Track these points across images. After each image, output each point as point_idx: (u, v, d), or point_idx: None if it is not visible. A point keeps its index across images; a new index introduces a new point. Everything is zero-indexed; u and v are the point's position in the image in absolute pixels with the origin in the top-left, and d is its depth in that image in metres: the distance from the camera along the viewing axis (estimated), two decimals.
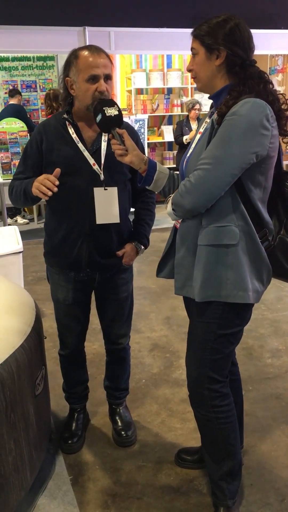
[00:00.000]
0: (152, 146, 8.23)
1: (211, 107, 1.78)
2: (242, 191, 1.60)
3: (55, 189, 1.86)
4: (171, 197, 1.70)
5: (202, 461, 2.13)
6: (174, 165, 7.63)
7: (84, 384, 2.46)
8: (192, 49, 1.68)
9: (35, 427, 1.96)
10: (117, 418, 2.44)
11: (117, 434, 2.39)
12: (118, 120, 1.76)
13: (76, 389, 2.43)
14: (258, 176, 1.61)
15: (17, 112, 6.85)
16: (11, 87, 8.06)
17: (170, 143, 8.31)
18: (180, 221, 1.75)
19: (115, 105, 1.78)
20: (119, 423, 2.42)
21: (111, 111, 1.75)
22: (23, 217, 7.18)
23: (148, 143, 7.54)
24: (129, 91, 8.08)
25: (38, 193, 1.89)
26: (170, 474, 2.18)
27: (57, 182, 1.86)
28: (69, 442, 2.34)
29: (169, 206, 1.71)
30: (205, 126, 1.72)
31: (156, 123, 8.39)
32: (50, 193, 1.86)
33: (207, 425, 1.83)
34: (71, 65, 1.96)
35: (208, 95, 1.74)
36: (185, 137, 6.76)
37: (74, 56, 1.96)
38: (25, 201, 2.08)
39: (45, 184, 1.86)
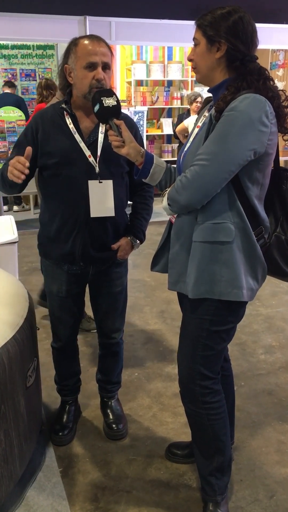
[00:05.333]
0: (151, 139, 8.19)
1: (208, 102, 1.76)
2: (239, 188, 1.59)
3: (26, 172, 1.77)
4: (167, 192, 1.68)
5: (192, 455, 2.13)
6: (173, 158, 7.60)
7: (76, 377, 2.45)
8: (194, 38, 1.65)
9: (26, 418, 1.95)
10: (108, 411, 2.44)
11: (108, 427, 2.39)
12: (116, 111, 1.74)
13: (68, 382, 2.42)
14: (255, 173, 1.59)
15: (17, 102, 6.80)
16: (10, 75, 8.00)
17: (169, 135, 8.27)
18: (175, 216, 1.74)
19: (114, 95, 1.75)
20: (111, 416, 2.42)
21: (109, 101, 1.73)
22: (23, 207, 7.18)
23: (147, 135, 7.50)
24: (129, 83, 8.03)
25: (13, 177, 1.80)
26: (160, 468, 2.18)
27: (27, 164, 1.77)
28: (60, 434, 2.33)
29: (164, 201, 1.69)
30: (203, 120, 1.70)
31: (155, 115, 8.34)
32: (23, 177, 1.77)
33: (197, 421, 1.83)
34: (70, 52, 1.95)
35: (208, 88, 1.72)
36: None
37: (74, 43, 1.95)
38: (4, 187, 2.00)
39: (16, 167, 1.77)
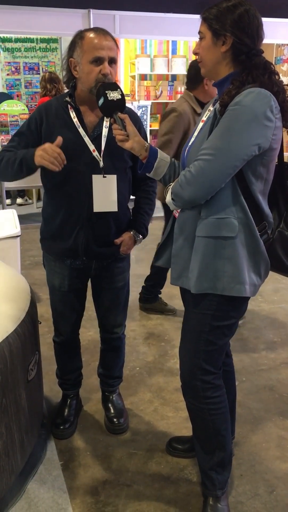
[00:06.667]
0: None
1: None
2: (243, 183, 1.58)
3: (62, 166, 1.82)
4: (171, 187, 1.67)
5: (193, 450, 2.14)
6: None
7: (77, 371, 2.46)
8: (199, 32, 1.63)
9: (27, 412, 1.96)
10: (109, 405, 2.44)
11: (109, 421, 2.40)
12: (120, 104, 1.73)
13: (69, 376, 2.43)
14: (259, 168, 1.58)
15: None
16: (13, 68, 7.99)
17: None
18: (179, 210, 1.73)
19: (118, 89, 1.74)
20: (112, 410, 2.42)
21: (113, 95, 1.71)
22: (26, 200, 7.17)
23: (150, 130, 7.47)
24: (133, 77, 7.99)
25: (46, 163, 1.81)
26: (160, 462, 2.19)
27: (65, 162, 1.82)
28: (61, 427, 2.34)
29: (168, 196, 1.68)
30: (208, 115, 1.69)
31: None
32: (60, 168, 1.81)
33: (199, 416, 1.83)
34: (75, 45, 1.92)
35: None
36: None
37: (79, 37, 1.92)
38: (18, 171, 1.96)
39: (57, 159, 1.80)
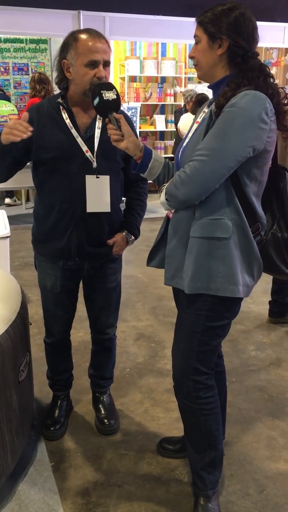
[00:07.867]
0: (144, 135, 8.19)
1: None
2: (237, 185, 1.59)
3: (29, 134, 1.72)
4: (165, 187, 1.68)
5: (183, 450, 2.14)
6: (166, 155, 7.61)
7: (68, 372, 2.45)
8: (195, 36, 1.65)
9: (18, 413, 1.95)
10: (100, 406, 2.44)
11: (100, 422, 2.39)
12: (116, 104, 1.72)
13: (60, 377, 2.42)
14: (254, 170, 1.59)
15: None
16: (2, 69, 7.95)
17: (162, 132, 8.27)
18: (173, 211, 1.74)
19: (113, 89, 1.74)
20: (102, 411, 2.42)
21: (109, 95, 1.71)
22: (15, 201, 7.14)
23: (140, 131, 7.49)
24: (122, 78, 8.01)
25: (11, 137, 1.73)
26: (151, 463, 2.19)
27: (30, 128, 1.73)
28: (52, 428, 2.33)
29: (162, 196, 1.69)
30: (202, 116, 1.70)
31: (148, 111, 8.33)
32: (25, 136, 1.72)
33: (191, 416, 1.83)
34: (69, 47, 1.91)
35: (205, 85, 1.72)
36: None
37: (73, 38, 1.91)
38: None
39: (17, 128, 1.72)
